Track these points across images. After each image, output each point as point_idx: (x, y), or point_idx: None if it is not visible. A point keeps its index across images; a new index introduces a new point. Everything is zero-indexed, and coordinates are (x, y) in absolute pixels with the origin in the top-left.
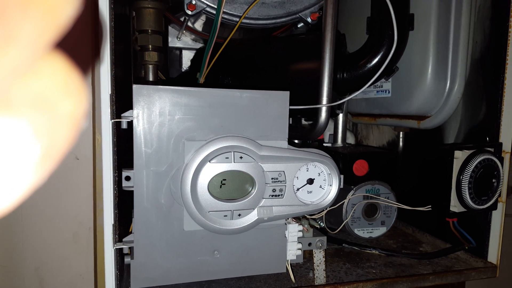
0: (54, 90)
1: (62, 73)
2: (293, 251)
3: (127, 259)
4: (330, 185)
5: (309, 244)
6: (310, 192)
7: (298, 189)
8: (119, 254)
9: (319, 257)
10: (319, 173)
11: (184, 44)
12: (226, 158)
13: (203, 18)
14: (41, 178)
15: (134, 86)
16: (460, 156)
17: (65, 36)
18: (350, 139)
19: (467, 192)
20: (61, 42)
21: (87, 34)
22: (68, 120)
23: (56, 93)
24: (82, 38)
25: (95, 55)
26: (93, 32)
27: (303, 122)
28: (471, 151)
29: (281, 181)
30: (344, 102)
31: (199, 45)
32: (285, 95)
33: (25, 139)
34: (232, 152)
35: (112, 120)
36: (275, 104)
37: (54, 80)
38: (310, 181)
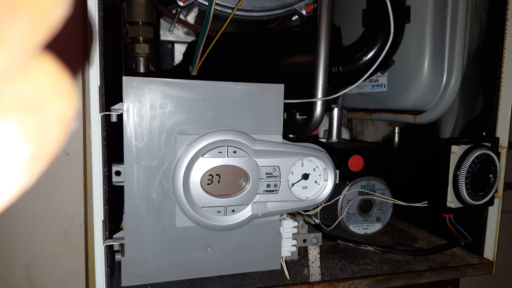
0: (43, 92)
1: (51, 74)
2: (288, 248)
3: (117, 256)
4: (326, 180)
5: (304, 241)
6: (305, 187)
7: (293, 185)
8: (110, 251)
9: (314, 253)
10: (314, 168)
11: (176, 38)
12: (219, 152)
13: (195, 10)
14: (30, 181)
15: (124, 78)
16: (457, 151)
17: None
18: (345, 135)
19: (464, 187)
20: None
21: (75, 25)
22: (58, 122)
23: (46, 95)
24: (70, 30)
25: (84, 48)
26: (82, 23)
27: (297, 117)
28: (468, 146)
29: (275, 176)
30: (339, 96)
31: (191, 39)
32: (279, 88)
33: (14, 141)
34: (226, 146)
35: (102, 113)
36: (270, 97)
37: (44, 82)
38: (305, 176)
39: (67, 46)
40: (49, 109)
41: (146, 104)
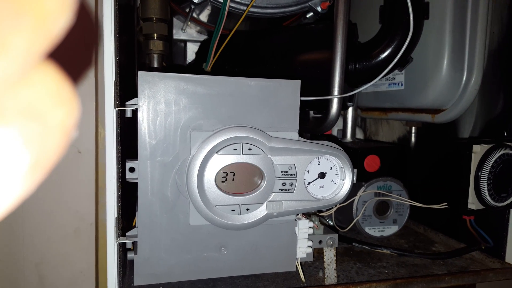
0: (44, 100)
1: (53, 83)
2: (303, 249)
3: (130, 255)
4: (343, 180)
5: (320, 242)
6: (322, 186)
7: (309, 184)
8: (122, 249)
9: (329, 255)
10: (331, 167)
11: (189, 37)
12: (234, 149)
13: (208, 8)
14: (30, 188)
15: (139, 73)
16: (478, 150)
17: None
18: (359, 135)
19: (486, 188)
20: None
21: (89, 19)
22: (59, 130)
23: (47, 103)
24: (85, 24)
25: (98, 43)
26: (96, 18)
27: (311, 115)
28: (490, 146)
29: (291, 175)
30: (355, 94)
31: (204, 37)
32: (296, 84)
33: (15, 148)
34: (241, 143)
35: (116, 108)
36: (286, 93)
37: (45, 90)
38: (322, 175)
39: (80, 38)
40: (50, 117)
41: (161, 100)
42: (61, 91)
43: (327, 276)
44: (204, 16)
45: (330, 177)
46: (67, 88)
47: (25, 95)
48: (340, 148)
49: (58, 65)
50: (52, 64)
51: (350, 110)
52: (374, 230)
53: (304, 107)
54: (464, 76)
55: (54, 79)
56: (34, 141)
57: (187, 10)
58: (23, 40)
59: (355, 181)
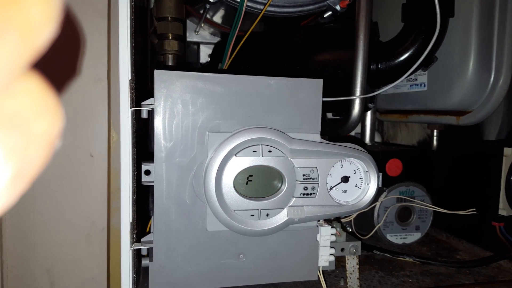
0: (28, 110)
1: (37, 93)
2: (326, 257)
3: (145, 261)
4: (368, 184)
5: (342, 250)
6: (345, 191)
7: (331, 188)
8: (136, 256)
9: (352, 264)
10: (354, 171)
11: (202, 39)
12: (253, 151)
13: (222, 9)
14: (12, 199)
15: (156, 71)
16: (509, 153)
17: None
18: (376, 139)
19: None
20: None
21: (75, 29)
22: (42, 140)
23: (31, 113)
24: (70, 34)
25: (109, 42)
26: (109, 17)
27: (327, 118)
28: None
29: (313, 178)
30: (376, 96)
31: (217, 39)
32: (318, 83)
33: None
34: (260, 145)
35: (132, 109)
36: (307, 93)
37: (29, 100)
38: (345, 179)
39: (64, 52)
40: (33, 127)
41: (178, 100)
42: (45, 101)
43: (350, 285)
44: (218, 18)
45: (353, 181)
46: (51, 98)
47: (9, 105)
48: (364, 150)
49: (42, 75)
50: (36, 75)
51: (369, 113)
52: (396, 237)
53: (323, 108)
54: (492, 76)
55: (38, 90)
56: (17, 151)
57: (201, 11)
58: (7, 51)
59: (380, 185)
